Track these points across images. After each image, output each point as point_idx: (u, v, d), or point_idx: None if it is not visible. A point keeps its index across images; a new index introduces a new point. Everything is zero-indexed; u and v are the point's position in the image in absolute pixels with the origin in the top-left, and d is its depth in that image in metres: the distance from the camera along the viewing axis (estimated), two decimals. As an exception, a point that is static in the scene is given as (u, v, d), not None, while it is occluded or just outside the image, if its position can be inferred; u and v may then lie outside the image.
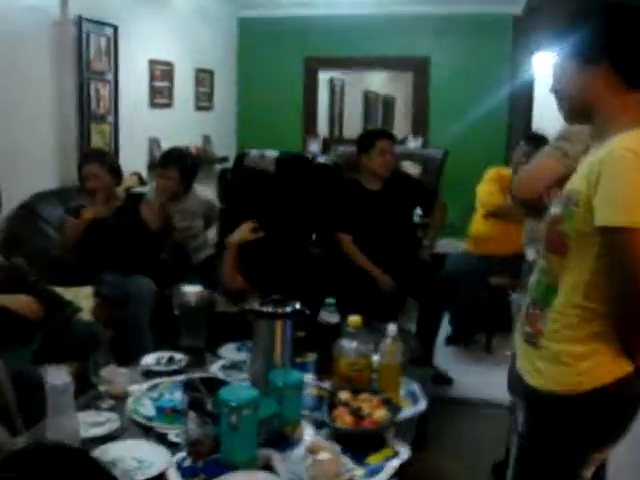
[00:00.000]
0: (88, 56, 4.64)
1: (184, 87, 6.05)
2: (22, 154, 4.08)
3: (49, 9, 4.38)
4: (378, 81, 9.95)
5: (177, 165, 4.28)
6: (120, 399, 2.34)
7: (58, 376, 1.98)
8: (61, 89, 4.51)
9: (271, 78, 6.92)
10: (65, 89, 4.54)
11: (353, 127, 9.08)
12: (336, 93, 8.64)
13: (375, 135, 4.26)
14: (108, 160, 4.05)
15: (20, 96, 4.12)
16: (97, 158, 4.04)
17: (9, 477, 0.97)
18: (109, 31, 4.86)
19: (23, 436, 2.22)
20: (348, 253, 4.14)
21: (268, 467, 1.95)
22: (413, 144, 6.58)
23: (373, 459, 2.01)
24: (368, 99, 9.90)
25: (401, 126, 8.60)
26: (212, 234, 4.67)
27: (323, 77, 7.46)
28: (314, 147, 6.69)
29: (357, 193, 4.21)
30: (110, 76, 4.90)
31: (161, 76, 5.65)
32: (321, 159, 5.28)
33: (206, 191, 4.69)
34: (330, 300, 2.56)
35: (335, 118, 8.63)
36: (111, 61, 4.90)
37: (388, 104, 10.50)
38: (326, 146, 6.84)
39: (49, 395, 1.98)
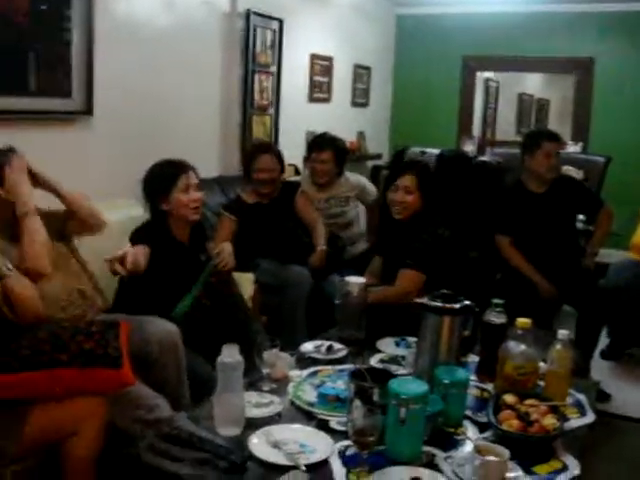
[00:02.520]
0: (254, 48, 4.76)
1: (342, 82, 6.11)
2: (189, 141, 4.23)
3: (220, 2, 4.54)
4: (532, 83, 9.67)
5: (331, 147, 4.30)
6: (281, 383, 2.36)
7: (230, 354, 2.02)
8: (227, 80, 4.66)
9: (427, 76, 6.87)
10: (231, 80, 4.68)
11: (506, 129, 8.88)
12: (491, 94, 8.47)
13: (541, 136, 4.08)
14: (278, 152, 4.11)
15: (189, 85, 4.29)
16: (271, 149, 4.12)
17: None
18: (275, 25, 4.97)
19: (188, 411, 2.28)
20: (507, 257, 4.01)
21: (431, 464, 1.90)
22: (572, 149, 6.32)
23: (541, 469, 1.91)
24: (522, 101, 9.65)
25: (555, 130, 8.32)
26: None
27: (479, 77, 7.33)
28: (469, 147, 6.56)
29: (519, 194, 4.07)
30: (274, 69, 5.01)
31: (321, 71, 5.73)
32: (483, 158, 5.15)
33: (358, 176, 4.64)
34: (498, 301, 2.47)
35: (488, 119, 8.46)
36: (275, 54, 5.00)
37: (542, 107, 10.19)
38: (480, 147, 6.70)
39: (220, 371, 2.02)
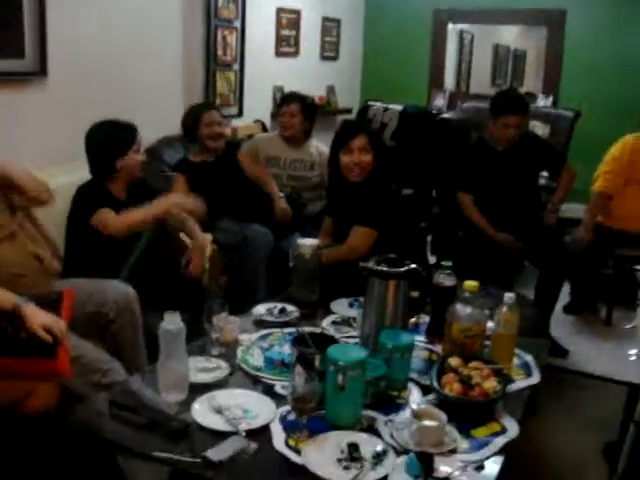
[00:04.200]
0: (216, 3, 4.66)
1: (310, 36, 6.01)
2: (150, 100, 4.17)
3: (180, -46, 4.41)
4: (509, 34, 9.56)
5: (299, 101, 4.33)
6: (230, 347, 2.37)
7: (172, 321, 2.03)
8: (189, 35, 4.56)
9: (398, 29, 6.76)
10: (193, 36, 4.59)
11: (481, 82, 8.80)
12: (465, 46, 8.36)
13: (504, 106, 4.00)
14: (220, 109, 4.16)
15: (149, 42, 4.19)
16: (215, 107, 4.17)
17: None
18: (238, -23, 4.86)
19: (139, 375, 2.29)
20: (468, 214, 4.03)
21: (371, 429, 1.93)
22: (543, 102, 6.29)
23: (479, 432, 1.94)
24: (498, 53, 9.55)
25: (531, 83, 8.25)
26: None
27: (452, 29, 7.23)
28: (440, 102, 6.52)
29: (481, 152, 4.07)
30: (237, 24, 4.91)
31: (288, 24, 5.63)
32: (446, 115, 5.12)
33: (323, 143, 4.63)
34: (447, 262, 2.48)
35: (462, 72, 8.37)
36: (239, 8, 4.90)
37: (518, 59, 10.09)
38: (452, 101, 6.64)
39: (162, 339, 2.03)
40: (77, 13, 3.63)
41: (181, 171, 3.90)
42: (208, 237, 3.43)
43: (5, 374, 2.20)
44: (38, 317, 2.26)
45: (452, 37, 7.52)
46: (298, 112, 4.30)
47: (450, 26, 7.00)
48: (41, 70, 3.46)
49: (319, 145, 4.46)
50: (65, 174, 3.27)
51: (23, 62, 3.38)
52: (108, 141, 3.16)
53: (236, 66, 4.96)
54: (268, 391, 2.12)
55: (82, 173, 3.26)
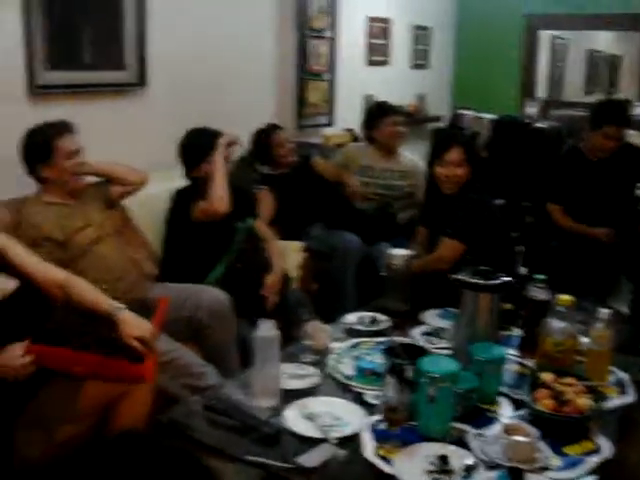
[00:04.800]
0: (308, 14, 4.73)
1: (401, 44, 6.02)
2: (243, 110, 4.26)
3: (274, -32, 4.50)
4: (604, 40, 9.31)
5: (399, 113, 4.39)
6: (321, 355, 2.40)
7: (267, 328, 2.07)
8: (281, 47, 4.64)
9: (489, 36, 6.70)
10: (285, 47, 4.67)
11: (574, 89, 8.60)
12: (557, 52, 8.19)
13: (606, 117, 3.87)
14: None
15: (243, 53, 4.29)
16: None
17: None
18: (330, -11, 4.92)
19: (232, 380, 2.35)
20: (560, 224, 3.94)
21: (461, 441, 1.92)
22: (639, 110, 6.11)
23: (571, 450, 1.90)
24: (592, 59, 9.31)
25: (627, 90, 8.02)
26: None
27: (544, 35, 7.11)
28: (532, 110, 6.40)
29: (575, 162, 3.97)
30: (329, 33, 4.97)
31: (378, 33, 5.66)
32: (540, 124, 5.03)
33: (414, 152, 4.63)
34: (540, 276, 2.45)
35: (555, 79, 8.20)
36: (330, 19, 4.95)
37: (614, 65, 9.82)
38: (544, 109, 6.52)
39: (257, 345, 2.08)
40: (174, 27, 3.76)
41: (263, 184, 3.97)
42: (299, 245, 3.50)
43: (92, 374, 2.25)
44: (132, 328, 2.33)
45: (544, 43, 7.39)
46: (403, 123, 4.36)
47: (542, 32, 6.88)
48: (141, 81, 3.60)
49: (409, 155, 4.47)
50: (162, 181, 3.39)
51: (124, 74, 3.53)
52: (193, 145, 3.31)
53: (327, 75, 5.02)
54: (358, 400, 2.14)
55: (178, 181, 3.37)
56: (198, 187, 3.25)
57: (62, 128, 2.82)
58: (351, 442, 1.90)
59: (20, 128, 2.82)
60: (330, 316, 2.74)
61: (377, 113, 4.38)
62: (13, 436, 2.15)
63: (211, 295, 2.93)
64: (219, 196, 3.14)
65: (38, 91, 3.12)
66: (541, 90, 7.33)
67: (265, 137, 4.07)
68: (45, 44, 3.11)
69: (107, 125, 3.41)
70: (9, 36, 3.00)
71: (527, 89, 6.75)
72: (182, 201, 3.25)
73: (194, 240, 3.16)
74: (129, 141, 3.54)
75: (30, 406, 2.18)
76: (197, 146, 3.29)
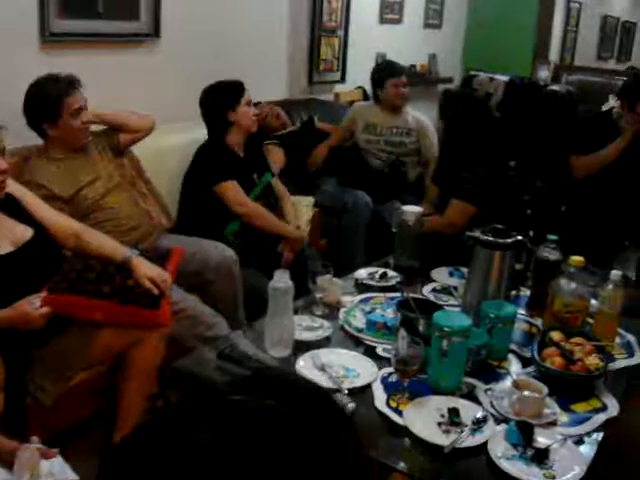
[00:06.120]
0: (325, -32, 4.68)
1: (414, 3, 5.95)
2: (257, 63, 4.24)
3: None
4: (618, 5, 9.22)
5: (403, 73, 4.40)
6: (333, 308, 2.44)
7: (281, 279, 2.09)
8: (295, 2, 4.59)
9: (504, -1, 6.63)
10: (299, 2, 4.62)
11: (586, 54, 8.54)
12: (572, 16, 8.12)
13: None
14: None
15: (257, 6, 4.26)
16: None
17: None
18: (347, -57, 4.85)
19: (242, 331, 2.38)
20: (581, 175, 3.82)
21: (471, 396, 1.95)
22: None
23: (579, 407, 1.94)
24: (606, 24, 9.22)
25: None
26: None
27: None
28: (544, 73, 6.36)
29: (605, 124, 3.82)
30: (344, -12, 4.92)
31: (393, -9, 5.59)
32: (554, 87, 4.99)
33: (422, 112, 4.63)
34: (552, 237, 2.46)
35: (568, 43, 8.13)
36: (346, -27, 4.90)
37: (628, 31, 9.73)
38: (556, 73, 6.47)
39: (271, 296, 2.10)
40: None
41: (275, 141, 3.98)
42: (310, 200, 3.50)
43: (110, 320, 2.30)
44: (145, 269, 2.37)
45: (559, 6, 7.32)
46: (407, 82, 4.38)
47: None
48: (155, 32, 3.57)
49: (415, 113, 4.48)
50: (176, 133, 3.40)
51: (138, 24, 3.50)
52: (218, 96, 3.31)
53: (340, 32, 4.98)
54: (369, 352, 2.17)
55: (192, 133, 3.37)
56: (221, 145, 3.28)
57: (69, 85, 2.73)
58: (362, 393, 1.94)
59: (31, 76, 2.77)
60: (339, 272, 2.76)
61: (382, 73, 4.42)
62: (26, 383, 2.19)
63: (218, 252, 2.95)
64: (239, 211, 3.20)
65: (50, 39, 3.09)
66: (553, 54, 7.27)
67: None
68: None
69: (119, 75, 3.40)
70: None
71: (540, 52, 6.69)
72: (208, 165, 3.25)
73: (212, 196, 3.18)
74: (142, 92, 3.52)
75: (43, 353, 2.21)
76: (219, 97, 3.31)
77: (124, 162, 3.07)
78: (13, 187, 2.31)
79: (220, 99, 3.29)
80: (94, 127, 2.95)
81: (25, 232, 2.28)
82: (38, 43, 3.07)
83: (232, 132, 3.30)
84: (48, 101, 2.69)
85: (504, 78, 4.60)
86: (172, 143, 3.29)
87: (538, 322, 2.42)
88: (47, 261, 2.31)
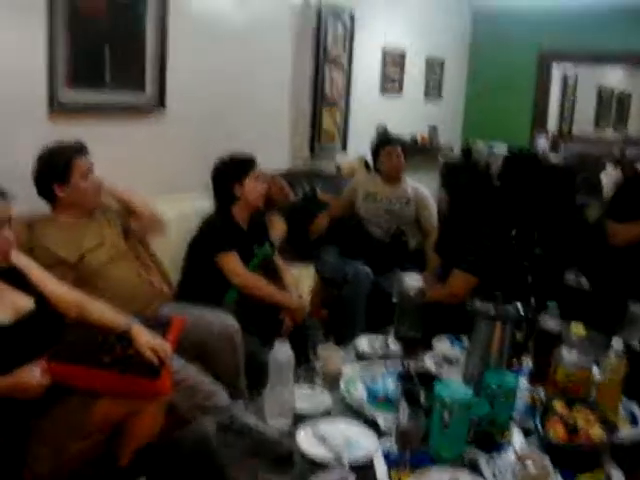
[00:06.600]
0: (326, 42, 4.79)
1: (415, 75, 6.09)
2: (260, 133, 4.30)
3: (292, -4, 4.59)
4: (613, 77, 9.38)
5: (400, 144, 4.50)
6: (334, 377, 2.41)
7: (282, 350, 2.09)
8: (298, 73, 4.70)
9: (502, 69, 6.75)
10: (302, 73, 4.73)
11: (583, 124, 8.66)
12: (568, 87, 8.27)
13: None
14: None
15: (260, 80, 4.35)
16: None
17: None
18: (346, 18, 4.98)
19: (243, 401, 2.36)
20: (619, 240, 3.74)
21: (473, 467, 1.93)
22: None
23: (584, 479, 1.91)
24: (602, 95, 9.38)
25: (636, 126, 8.08)
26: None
27: (556, 70, 7.17)
28: (542, 143, 6.45)
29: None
30: (345, 62, 5.03)
31: (393, 63, 5.72)
32: (551, 158, 5.07)
33: (421, 182, 4.70)
34: (552, 304, 2.47)
35: (566, 113, 8.27)
36: (346, 47, 5.02)
37: (622, 102, 9.88)
38: (555, 142, 6.58)
39: (272, 366, 2.09)
40: (194, 50, 3.81)
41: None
42: (311, 271, 3.52)
43: (110, 390, 2.27)
44: (146, 339, 2.37)
45: (556, 77, 7.45)
46: (402, 153, 4.43)
47: (554, 67, 6.94)
48: (160, 103, 3.64)
49: (413, 183, 4.55)
50: (179, 203, 3.43)
51: (144, 95, 3.57)
52: (227, 169, 3.38)
53: (342, 103, 5.07)
54: (370, 424, 2.14)
55: (195, 203, 3.41)
56: (227, 216, 3.33)
57: (78, 149, 2.84)
58: (363, 466, 1.91)
59: (39, 145, 2.85)
60: (339, 342, 2.76)
61: (378, 143, 4.53)
62: (24, 452, 2.16)
63: (220, 321, 2.95)
64: (240, 283, 3.23)
65: (59, 109, 3.15)
66: (551, 124, 7.38)
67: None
68: (67, 63, 3.15)
69: (125, 145, 3.45)
70: (34, 55, 3.04)
71: (538, 122, 6.79)
72: (211, 234, 3.29)
73: (213, 264, 3.22)
74: (147, 162, 3.58)
75: (41, 422, 2.20)
76: (227, 170, 3.38)
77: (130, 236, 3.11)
78: (16, 257, 2.33)
79: (228, 172, 3.36)
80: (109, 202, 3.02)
81: (27, 302, 2.29)
82: (46, 113, 3.13)
83: (238, 205, 3.35)
84: (59, 163, 2.79)
85: (503, 148, 4.68)
86: (175, 214, 3.33)
87: (540, 392, 2.40)
88: (48, 331, 2.31)
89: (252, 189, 3.34)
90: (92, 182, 2.86)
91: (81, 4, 3.16)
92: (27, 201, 2.70)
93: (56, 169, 2.79)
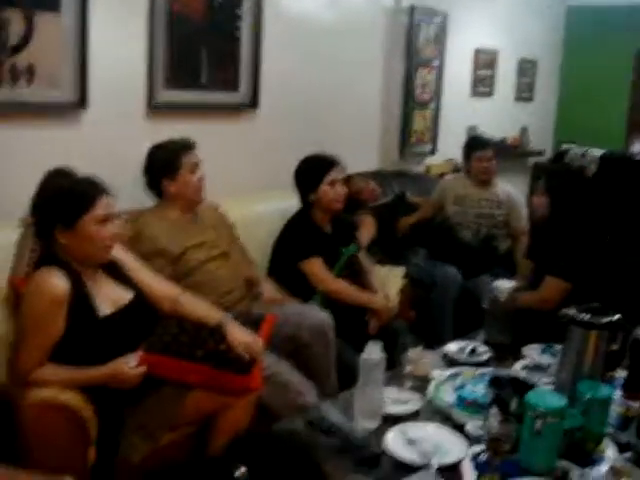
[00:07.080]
0: (417, 43, 4.78)
1: (506, 77, 6.00)
2: (349, 134, 4.34)
3: (385, -1, 4.59)
4: None
5: (492, 147, 4.44)
6: (422, 381, 2.41)
7: (374, 351, 2.10)
8: (389, 73, 4.71)
9: (597, 71, 6.58)
10: (393, 74, 4.74)
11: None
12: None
13: None
14: None
15: (352, 79, 4.38)
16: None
17: None
18: (439, 20, 4.95)
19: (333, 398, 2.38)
20: None
21: (564, 479, 1.89)
22: None
23: (682, 495, 1.86)
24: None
25: None
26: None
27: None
28: (637, 148, 6.24)
29: None
30: (436, 63, 5.00)
31: (484, 65, 5.66)
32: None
33: (511, 184, 4.62)
34: (648, 315, 2.39)
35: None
36: (438, 48, 4.99)
37: None
38: (650, 148, 6.35)
39: (362, 367, 2.10)
40: (287, 51, 3.88)
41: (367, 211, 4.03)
42: (400, 271, 3.51)
43: (201, 383, 2.33)
44: (239, 335, 2.41)
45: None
46: (493, 156, 4.38)
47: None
48: (253, 102, 3.71)
49: (505, 186, 4.47)
50: (270, 201, 3.48)
51: (238, 95, 3.65)
52: (303, 172, 3.37)
53: (432, 104, 5.05)
54: (458, 428, 2.13)
55: (285, 202, 3.44)
56: (309, 221, 3.34)
57: (186, 144, 2.93)
58: (451, 471, 1.90)
59: (137, 143, 2.95)
60: (426, 345, 2.74)
61: (470, 147, 4.46)
62: (118, 441, 2.24)
63: (314, 315, 2.96)
64: (325, 288, 3.24)
65: (156, 109, 3.26)
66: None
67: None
68: (165, 66, 3.26)
69: (219, 143, 3.52)
70: (135, 59, 3.17)
71: (634, 125, 6.57)
72: (295, 239, 3.31)
73: (297, 270, 3.24)
74: (239, 161, 3.65)
75: (135, 411, 2.27)
76: (300, 175, 3.37)
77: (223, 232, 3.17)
78: (116, 250, 2.41)
79: (303, 180, 3.35)
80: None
81: (125, 295, 2.37)
82: (144, 112, 3.24)
83: (316, 209, 3.34)
84: (168, 157, 2.88)
85: (598, 152, 4.55)
86: (267, 210, 3.39)
87: (635, 405, 2.34)
88: (144, 323, 2.38)
89: (325, 194, 3.29)
90: (199, 177, 2.94)
91: (179, 7, 3.26)
92: (130, 197, 2.82)
93: (165, 164, 2.88)
